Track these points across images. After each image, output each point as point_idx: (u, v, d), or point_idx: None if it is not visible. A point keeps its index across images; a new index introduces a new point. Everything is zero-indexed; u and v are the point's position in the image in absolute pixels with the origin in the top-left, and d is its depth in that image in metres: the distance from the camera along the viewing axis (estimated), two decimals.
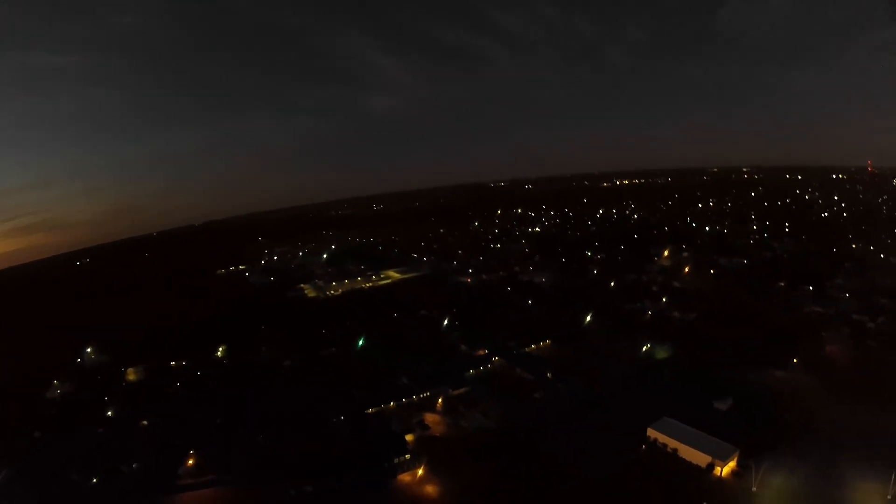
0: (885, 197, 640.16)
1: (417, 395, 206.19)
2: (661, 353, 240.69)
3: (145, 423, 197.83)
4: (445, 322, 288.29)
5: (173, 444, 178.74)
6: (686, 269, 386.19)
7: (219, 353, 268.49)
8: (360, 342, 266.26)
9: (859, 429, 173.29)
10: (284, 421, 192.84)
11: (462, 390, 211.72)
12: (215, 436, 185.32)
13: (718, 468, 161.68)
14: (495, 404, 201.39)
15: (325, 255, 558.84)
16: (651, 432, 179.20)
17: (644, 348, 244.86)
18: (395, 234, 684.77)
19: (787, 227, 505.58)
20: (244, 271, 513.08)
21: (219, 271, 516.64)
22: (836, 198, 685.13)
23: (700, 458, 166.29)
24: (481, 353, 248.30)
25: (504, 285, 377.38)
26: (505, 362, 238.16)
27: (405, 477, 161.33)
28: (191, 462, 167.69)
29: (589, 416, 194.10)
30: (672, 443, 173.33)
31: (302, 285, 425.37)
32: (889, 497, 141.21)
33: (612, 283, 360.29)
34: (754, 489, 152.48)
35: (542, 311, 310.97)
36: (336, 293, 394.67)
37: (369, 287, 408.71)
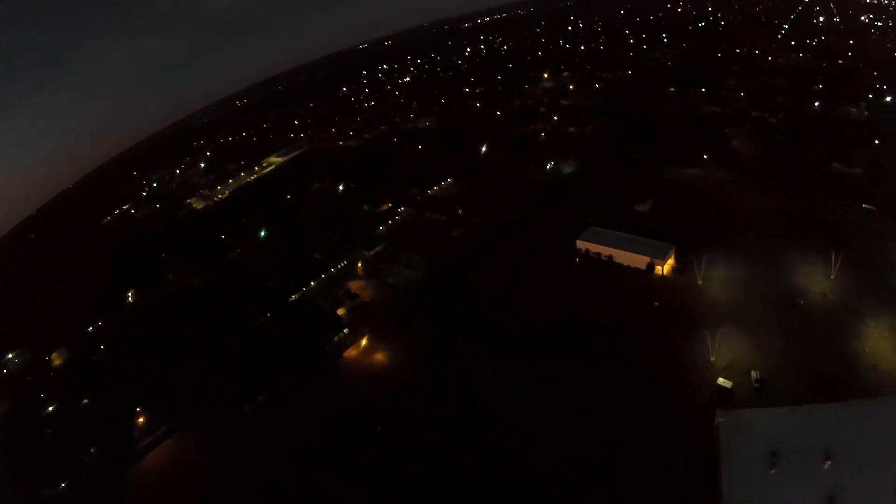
0: (760, 7, 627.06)
1: (335, 268, 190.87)
2: (568, 168, 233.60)
3: (86, 401, 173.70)
4: (340, 188, 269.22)
5: (119, 410, 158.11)
6: (570, 87, 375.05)
7: (130, 299, 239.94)
8: (262, 234, 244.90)
9: (785, 216, 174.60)
10: (214, 340, 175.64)
11: (377, 249, 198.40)
12: (155, 384, 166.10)
13: (659, 267, 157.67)
14: (415, 253, 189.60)
15: (203, 165, 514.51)
16: (581, 244, 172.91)
17: (548, 166, 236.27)
18: (265, 122, 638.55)
19: (665, 37, 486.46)
20: (129, 210, 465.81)
21: (104, 220, 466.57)
22: (710, 8, 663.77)
23: (638, 261, 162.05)
24: (385, 208, 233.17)
25: (389, 139, 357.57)
26: (412, 210, 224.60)
27: (350, 352, 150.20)
28: (141, 421, 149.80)
29: (512, 242, 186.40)
30: (605, 250, 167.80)
31: (189, 201, 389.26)
32: (832, 277, 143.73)
33: (499, 113, 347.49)
34: (700, 282, 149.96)
35: (434, 154, 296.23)
36: (224, 196, 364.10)
37: (255, 179, 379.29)
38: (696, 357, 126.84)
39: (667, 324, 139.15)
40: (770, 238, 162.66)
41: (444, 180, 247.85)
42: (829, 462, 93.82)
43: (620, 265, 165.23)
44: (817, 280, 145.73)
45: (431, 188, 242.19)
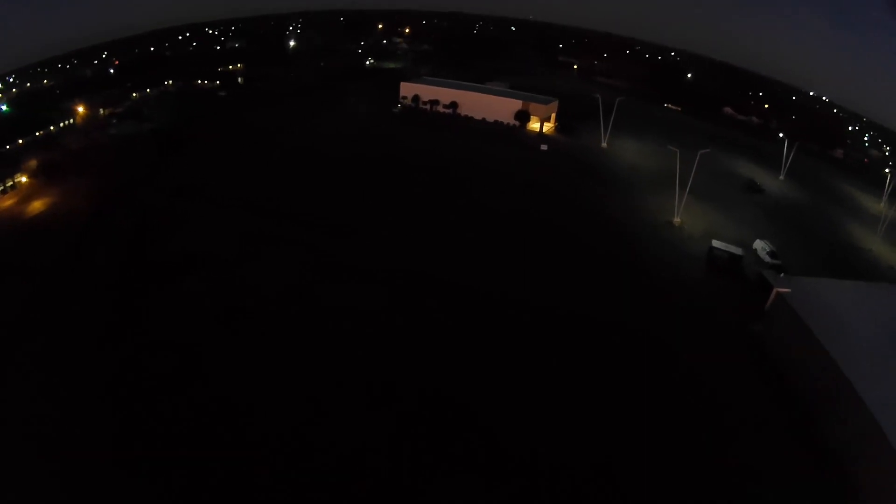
0: None
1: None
2: (393, 65, 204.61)
3: None
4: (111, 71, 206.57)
5: None
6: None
7: None
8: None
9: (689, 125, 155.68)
10: None
11: (121, 108, 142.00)
12: None
13: (536, 119, 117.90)
14: (163, 109, 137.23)
15: None
16: (407, 87, 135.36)
17: (367, 62, 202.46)
18: None
19: None
20: None
21: None
22: None
23: (503, 110, 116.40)
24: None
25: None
26: (181, 81, 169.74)
27: (6, 202, 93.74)
28: None
29: (307, 99, 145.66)
30: (447, 94, 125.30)
31: None
32: (781, 178, 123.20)
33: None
34: (605, 146, 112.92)
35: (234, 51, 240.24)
36: None
37: None
38: (652, 216, 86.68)
39: (581, 178, 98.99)
40: (679, 132, 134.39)
41: (236, 65, 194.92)
42: None
43: (471, 118, 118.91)
44: (765, 175, 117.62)
45: (217, 69, 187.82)
